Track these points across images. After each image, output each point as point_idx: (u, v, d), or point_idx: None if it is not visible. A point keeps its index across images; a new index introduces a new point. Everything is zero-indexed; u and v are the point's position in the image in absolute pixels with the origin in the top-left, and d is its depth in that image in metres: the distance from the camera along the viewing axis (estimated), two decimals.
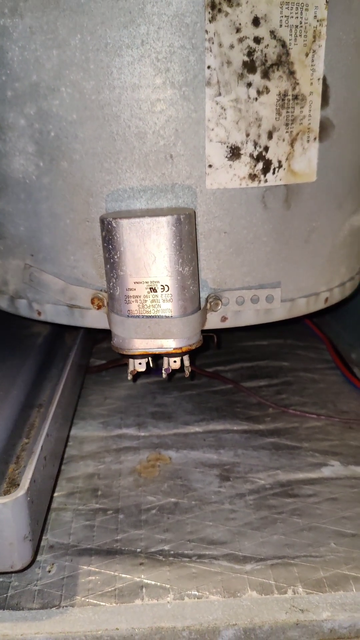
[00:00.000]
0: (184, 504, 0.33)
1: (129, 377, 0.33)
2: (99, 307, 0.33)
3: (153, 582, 0.27)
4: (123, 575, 0.28)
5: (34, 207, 0.33)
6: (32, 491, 0.25)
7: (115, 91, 0.30)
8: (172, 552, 0.29)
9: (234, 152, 0.31)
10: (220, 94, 0.30)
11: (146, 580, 0.28)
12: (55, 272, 0.34)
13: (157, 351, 0.31)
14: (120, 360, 0.44)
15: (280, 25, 0.29)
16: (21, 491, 0.24)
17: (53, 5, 0.29)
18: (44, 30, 0.29)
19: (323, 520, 0.31)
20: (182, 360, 0.32)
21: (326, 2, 0.30)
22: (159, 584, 0.27)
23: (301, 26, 0.30)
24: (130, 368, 0.33)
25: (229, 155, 0.31)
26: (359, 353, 0.50)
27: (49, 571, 0.28)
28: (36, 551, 0.28)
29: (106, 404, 0.43)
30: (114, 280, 0.30)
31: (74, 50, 0.29)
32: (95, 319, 0.34)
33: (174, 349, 0.31)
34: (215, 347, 0.46)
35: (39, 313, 0.36)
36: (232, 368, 0.49)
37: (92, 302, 0.33)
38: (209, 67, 0.29)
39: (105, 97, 0.30)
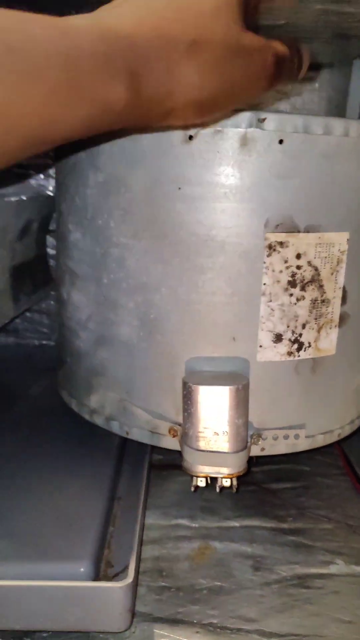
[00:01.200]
0: (226, 587, 0.45)
1: (192, 489, 0.46)
2: (174, 436, 0.46)
3: None
4: (185, 639, 0.40)
5: (132, 361, 0.47)
6: (134, 577, 0.38)
7: (199, 295, 0.43)
8: (219, 624, 0.41)
9: (278, 338, 0.44)
10: (271, 301, 0.43)
11: None
12: (143, 407, 0.47)
13: (215, 475, 0.44)
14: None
15: (315, 257, 0.43)
16: (129, 579, 0.36)
17: (162, 238, 0.43)
18: (154, 251, 0.43)
19: (328, 609, 0.43)
20: (231, 481, 0.45)
21: (347, 240, 0.44)
22: None
23: (329, 257, 0.44)
24: (194, 483, 0.45)
25: (274, 340, 0.44)
26: None
27: (134, 632, 0.40)
28: (133, 617, 0.40)
29: (165, 496, 0.56)
30: (189, 424, 0.43)
31: (174, 267, 0.43)
32: (170, 443, 0.47)
33: (228, 474, 0.44)
34: (254, 464, 0.58)
35: (127, 433, 0.49)
36: (262, 469, 0.61)
37: (169, 432, 0.46)
38: (264, 284, 0.43)
39: (193, 298, 0.43)
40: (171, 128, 0.39)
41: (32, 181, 0.78)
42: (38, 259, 0.71)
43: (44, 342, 0.86)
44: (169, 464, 0.61)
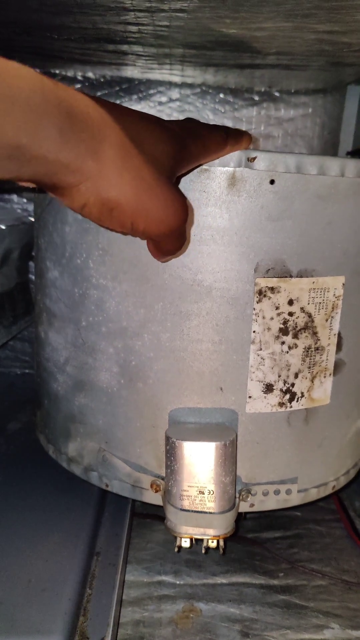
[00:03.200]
0: None
1: (176, 549, 0.42)
2: (157, 491, 0.43)
3: None
4: None
5: (112, 409, 0.43)
6: None
7: (184, 342, 0.40)
8: None
9: (269, 388, 0.41)
10: (261, 349, 0.40)
11: None
12: (123, 458, 0.44)
13: (200, 536, 0.41)
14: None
15: (308, 303, 0.40)
16: None
17: (144, 281, 0.40)
18: (136, 295, 0.40)
19: None
20: (218, 542, 0.42)
21: (343, 284, 0.41)
22: None
23: (323, 302, 0.41)
24: (177, 543, 0.42)
25: (264, 390, 0.41)
26: None
27: None
28: None
29: (148, 548, 0.52)
30: (173, 481, 0.40)
31: (157, 312, 0.40)
32: (152, 498, 0.44)
33: (214, 536, 0.40)
34: (244, 518, 0.55)
35: (107, 485, 0.45)
36: (252, 516, 0.58)
37: (151, 486, 0.43)
38: (254, 331, 0.40)
39: (176, 345, 0.40)
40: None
41: (15, 205, 0.75)
42: (19, 287, 0.68)
43: (26, 370, 0.82)
44: (152, 513, 0.57)
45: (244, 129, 0.60)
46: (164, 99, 0.74)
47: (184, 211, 0.30)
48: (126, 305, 0.41)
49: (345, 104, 0.75)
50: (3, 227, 0.58)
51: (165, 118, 0.33)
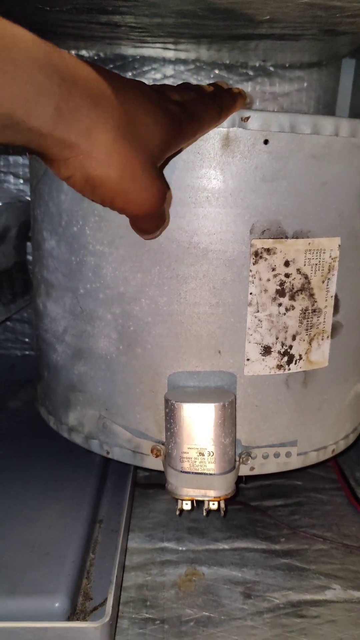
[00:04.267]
0: (215, 618, 0.42)
1: (177, 512, 0.43)
2: (157, 456, 0.43)
3: None
4: None
5: (111, 376, 0.44)
6: (112, 614, 0.35)
7: (181, 306, 0.40)
8: None
9: (266, 350, 0.41)
10: (258, 311, 0.40)
11: None
12: (123, 424, 0.44)
13: (201, 498, 0.41)
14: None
15: (305, 264, 0.40)
16: (107, 618, 0.33)
17: (140, 245, 0.40)
18: (133, 260, 0.40)
19: None
20: (219, 503, 0.42)
21: (339, 245, 0.41)
22: None
23: (319, 264, 0.41)
24: (179, 506, 0.42)
25: (262, 352, 0.41)
26: None
27: None
28: None
29: (150, 517, 0.53)
30: (173, 444, 0.40)
31: (154, 276, 0.40)
32: (153, 463, 0.44)
33: (215, 497, 0.41)
34: (244, 483, 0.55)
35: (108, 452, 0.46)
36: (253, 486, 0.58)
37: (152, 452, 0.43)
38: (251, 293, 0.40)
39: (174, 309, 0.40)
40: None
41: (11, 186, 0.75)
42: (17, 266, 0.68)
43: (27, 352, 0.83)
44: (154, 482, 0.58)
45: None
46: (158, 75, 0.73)
47: (161, 198, 0.31)
48: (123, 271, 0.41)
49: (341, 78, 0.75)
50: (0, 204, 0.58)
51: None
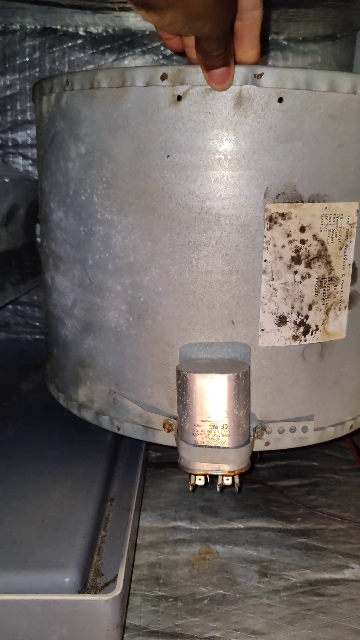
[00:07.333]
0: (230, 596, 0.40)
1: (190, 488, 0.42)
2: (169, 431, 0.42)
3: None
4: None
5: (121, 349, 0.43)
6: (123, 588, 0.34)
7: (193, 274, 0.39)
8: (222, 638, 0.37)
9: (282, 320, 0.40)
10: (273, 279, 0.39)
11: None
12: (134, 399, 0.43)
13: (215, 472, 0.40)
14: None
15: (321, 230, 0.39)
16: (118, 591, 0.32)
17: (150, 212, 0.39)
18: (142, 227, 0.39)
19: (343, 619, 0.39)
20: (233, 479, 0.41)
21: (357, 210, 0.40)
22: None
23: (337, 229, 0.39)
24: (192, 482, 0.41)
25: (277, 322, 0.40)
26: None
27: None
28: (123, 632, 0.36)
29: (162, 497, 0.51)
30: (185, 417, 0.39)
31: (164, 244, 0.39)
32: (165, 438, 0.43)
33: (229, 472, 0.39)
34: (258, 460, 0.54)
35: (118, 428, 0.45)
36: (268, 466, 0.57)
37: (164, 426, 0.42)
38: (265, 260, 0.38)
39: (185, 277, 0.39)
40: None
41: (20, 167, 0.74)
42: (27, 247, 0.67)
43: (37, 336, 0.82)
44: (167, 462, 0.56)
45: None
46: (168, 51, 0.72)
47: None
48: (133, 239, 0.40)
49: (356, 51, 0.73)
50: (7, 181, 0.57)
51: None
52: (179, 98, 0.36)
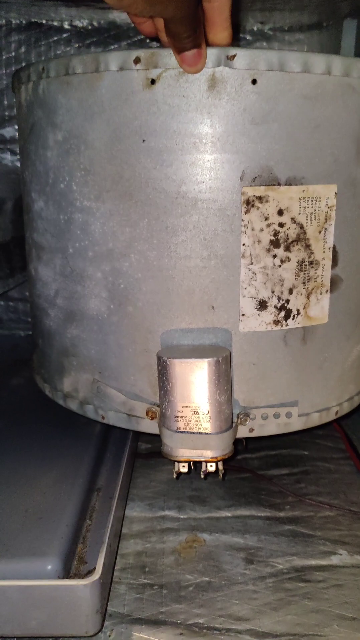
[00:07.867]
0: (215, 583, 0.40)
1: (174, 476, 0.41)
2: (152, 418, 0.42)
3: None
4: None
5: (103, 337, 0.42)
6: (103, 573, 0.33)
7: (172, 260, 0.39)
8: (206, 625, 0.37)
9: (262, 305, 0.40)
10: (252, 263, 0.39)
11: None
12: (118, 387, 0.43)
13: (197, 459, 0.39)
14: None
15: (299, 213, 0.39)
16: (96, 575, 0.32)
17: (127, 198, 0.38)
18: (120, 213, 0.39)
19: (329, 605, 0.38)
20: (216, 465, 0.41)
21: (335, 193, 0.40)
22: None
23: (315, 212, 0.39)
24: (176, 469, 0.41)
25: (258, 307, 0.40)
26: None
27: (110, 635, 0.36)
28: (103, 619, 0.36)
29: (151, 487, 0.51)
30: (166, 403, 0.39)
31: (142, 230, 0.39)
32: (148, 426, 0.43)
33: (211, 458, 0.39)
34: (244, 448, 0.54)
35: (103, 417, 0.45)
36: (258, 456, 0.56)
37: (147, 414, 0.42)
38: (243, 244, 0.38)
39: (164, 263, 0.39)
40: None
41: (8, 163, 0.74)
42: (15, 241, 0.67)
43: (30, 332, 0.82)
44: (156, 452, 0.56)
45: None
46: (154, 43, 0.72)
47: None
48: (111, 226, 0.39)
49: (342, 40, 0.73)
50: None
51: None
52: (153, 82, 0.36)
